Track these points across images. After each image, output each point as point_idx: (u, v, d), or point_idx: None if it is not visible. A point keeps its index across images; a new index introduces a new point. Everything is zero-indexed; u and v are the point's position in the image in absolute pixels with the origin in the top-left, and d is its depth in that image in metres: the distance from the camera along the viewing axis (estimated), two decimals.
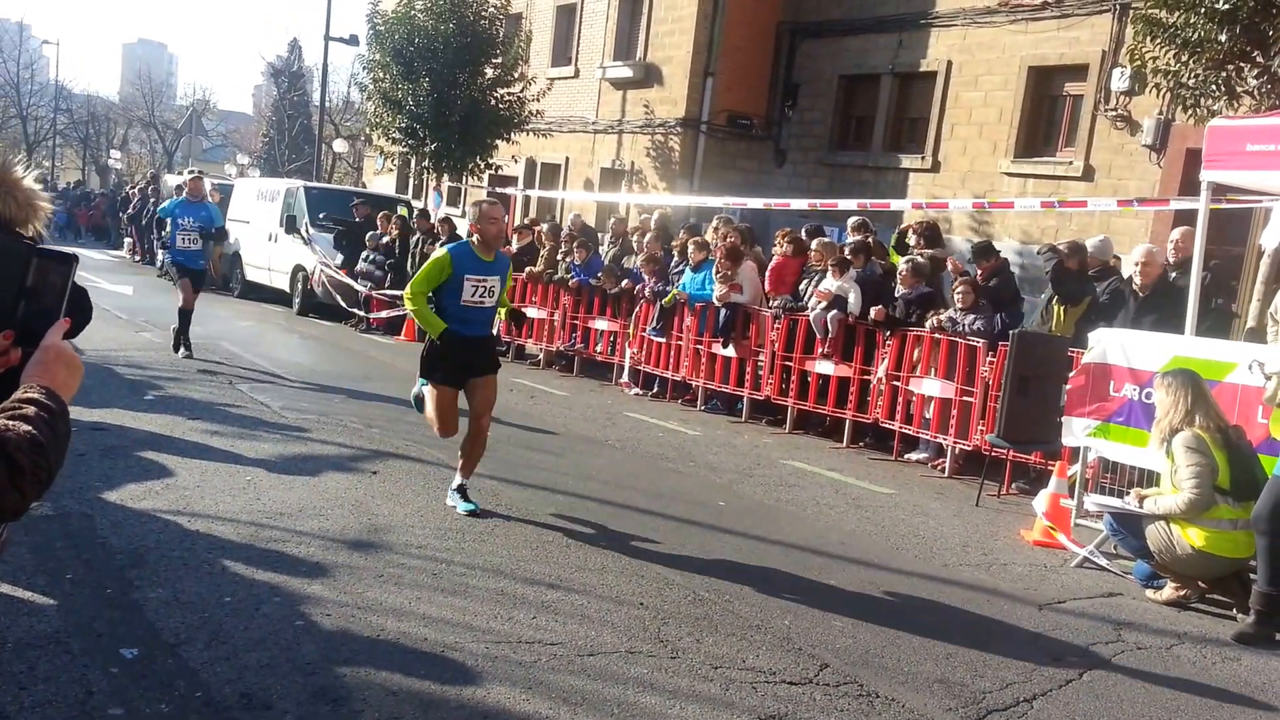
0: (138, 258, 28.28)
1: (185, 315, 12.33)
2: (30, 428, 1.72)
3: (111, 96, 77.42)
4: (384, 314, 17.52)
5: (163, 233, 13.28)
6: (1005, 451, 9.39)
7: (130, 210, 29.94)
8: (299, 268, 19.52)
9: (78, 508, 6.23)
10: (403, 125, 22.47)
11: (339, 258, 18.44)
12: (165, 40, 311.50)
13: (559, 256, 15.33)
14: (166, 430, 8.47)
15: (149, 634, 4.57)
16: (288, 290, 20.00)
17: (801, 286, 11.98)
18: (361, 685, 4.24)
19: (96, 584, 5.10)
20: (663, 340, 13.24)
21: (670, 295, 13.03)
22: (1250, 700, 5.19)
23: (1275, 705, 5.16)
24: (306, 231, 19.28)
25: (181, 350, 12.16)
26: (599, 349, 14.48)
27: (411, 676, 4.38)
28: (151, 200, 27.71)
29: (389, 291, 17.38)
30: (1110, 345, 8.04)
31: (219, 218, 13.41)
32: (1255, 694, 5.28)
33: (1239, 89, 10.36)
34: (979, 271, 10.90)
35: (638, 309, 13.65)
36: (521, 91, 22.52)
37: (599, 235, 16.86)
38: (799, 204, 14.96)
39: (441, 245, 16.43)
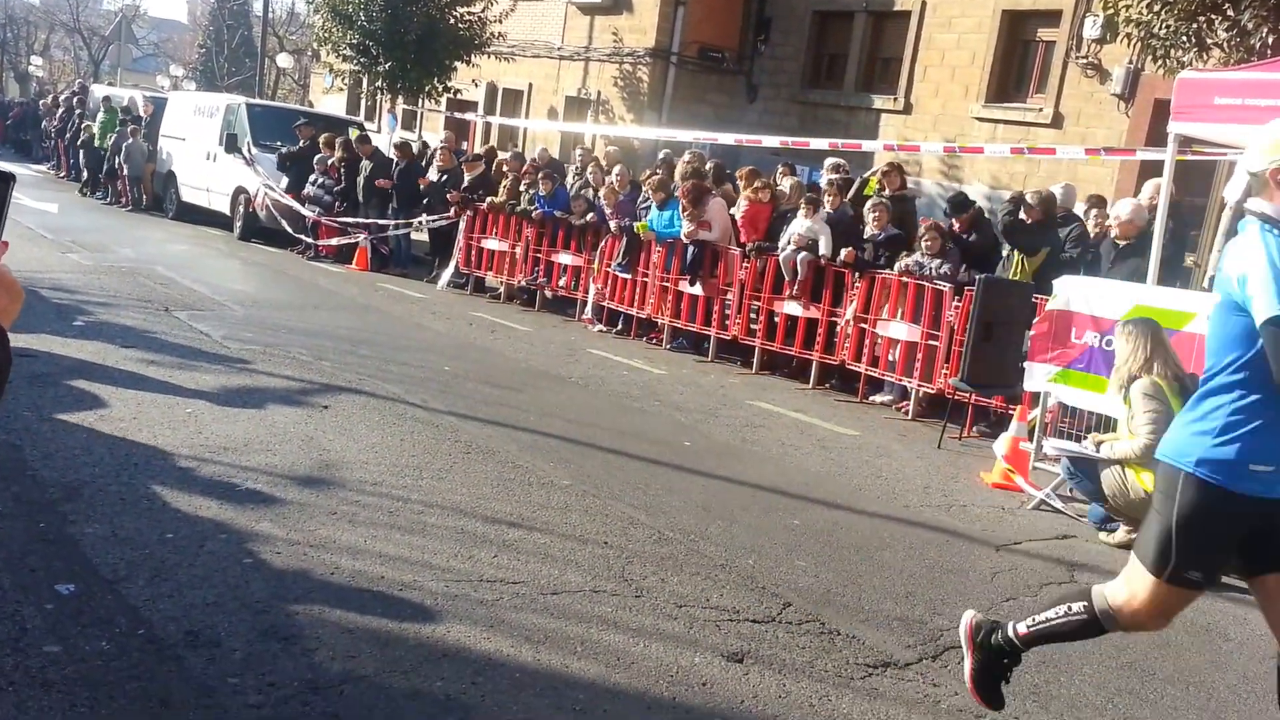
0: (63, 174, 27.27)
1: None
2: None
3: None
4: (333, 241, 17.08)
5: None
6: (968, 395, 9.68)
7: (55, 123, 28.55)
8: (240, 190, 18.79)
9: (4, 437, 6.02)
10: (354, 42, 21.94)
11: (284, 181, 17.85)
12: None
13: (522, 187, 15.24)
14: (98, 358, 8.17)
15: (86, 570, 4.49)
16: (228, 213, 19.30)
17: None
18: (314, 623, 4.24)
19: (28, 518, 4.99)
20: (628, 276, 13.30)
21: (639, 225, 13.04)
22: (1196, 639, 5.51)
23: (1219, 644, 5.49)
24: (249, 151, 18.58)
25: None
26: (562, 284, 14.51)
27: (368, 615, 4.38)
28: (78, 112, 26.53)
29: (338, 218, 17.04)
30: (1074, 293, 8.31)
31: None
32: (1200, 633, 5.61)
33: (1209, 41, 10.57)
34: (956, 225, 11.05)
35: (603, 243, 13.67)
36: (483, 11, 22.14)
37: (564, 166, 16.83)
38: (771, 141, 15.07)
39: (395, 170, 16.33)
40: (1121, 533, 7.00)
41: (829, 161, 13.11)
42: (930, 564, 6.11)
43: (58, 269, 12.49)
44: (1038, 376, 8.36)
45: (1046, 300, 8.65)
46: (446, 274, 15.76)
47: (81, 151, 24.66)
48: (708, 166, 13.55)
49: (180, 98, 24.06)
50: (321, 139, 17.80)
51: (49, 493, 5.33)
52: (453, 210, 15.75)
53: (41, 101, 34.14)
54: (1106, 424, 7.89)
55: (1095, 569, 6.43)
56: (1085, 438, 7.61)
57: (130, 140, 21.67)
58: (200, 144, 20.23)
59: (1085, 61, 15.59)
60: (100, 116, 23.83)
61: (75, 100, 27.95)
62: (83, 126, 25.03)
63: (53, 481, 5.48)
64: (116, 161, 22.19)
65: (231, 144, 18.91)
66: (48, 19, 63.59)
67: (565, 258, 14.35)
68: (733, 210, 12.49)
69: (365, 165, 17.08)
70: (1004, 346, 9.09)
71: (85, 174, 24.34)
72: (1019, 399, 9.01)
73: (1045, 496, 7.66)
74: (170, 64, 59.50)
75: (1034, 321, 8.73)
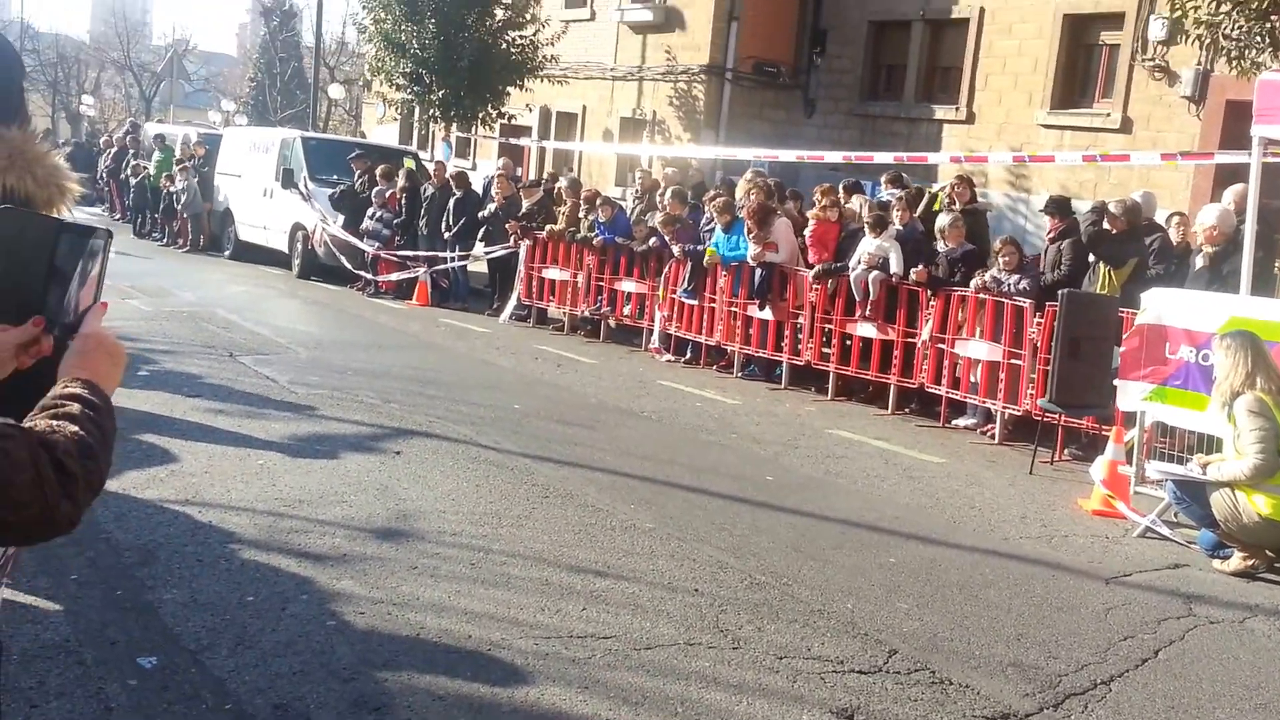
0: (118, 215, 27.13)
1: None
2: (77, 428, 1.63)
3: (82, 36, 74.84)
4: (394, 276, 16.96)
5: None
6: (1057, 417, 9.39)
7: (108, 162, 28.32)
8: (298, 226, 18.54)
9: None
10: (407, 70, 21.90)
11: (340, 218, 17.72)
12: None
13: (581, 214, 15.10)
14: (165, 409, 8.11)
15: (167, 640, 4.41)
16: (286, 251, 19.04)
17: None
18: (404, 690, 4.13)
19: (105, 585, 4.91)
20: (694, 302, 13.08)
21: (708, 251, 12.80)
22: None
23: None
24: (305, 186, 18.47)
25: None
26: (627, 313, 14.32)
27: (457, 679, 4.26)
28: (131, 152, 26.42)
29: (398, 252, 16.94)
30: (1165, 306, 8.03)
31: None
32: None
33: None
34: (1049, 226, 10.78)
35: (667, 269, 13.48)
36: (534, 35, 22.06)
37: (622, 192, 16.70)
38: (832, 157, 14.88)
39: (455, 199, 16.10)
40: (1237, 559, 6.70)
41: (886, 175, 12.88)
42: (1038, 601, 5.87)
43: (118, 316, 12.37)
44: (1132, 395, 8.07)
45: (1135, 314, 8.37)
46: (509, 307, 15.62)
47: (133, 192, 24.70)
48: (754, 189, 13.29)
49: (235, 134, 24.09)
50: (379, 170, 17.67)
51: (125, 557, 5.25)
52: (511, 239, 15.67)
53: (101, 139, 34.43)
54: (1209, 443, 7.59)
55: (1213, 600, 6.16)
56: (1189, 459, 7.34)
57: (186, 180, 21.62)
58: (256, 180, 20.13)
59: (1152, 64, 15.25)
60: (156, 156, 23.83)
61: (128, 138, 27.89)
62: (135, 166, 25.01)
63: (128, 544, 5.40)
64: (173, 201, 22.14)
65: (288, 179, 18.79)
66: (98, 57, 64.23)
67: (629, 285, 14.16)
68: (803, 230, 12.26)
69: (426, 191, 17.00)
70: (1093, 364, 8.81)
71: (140, 215, 24.37)
72: (1112, 419, 8.70)
73: (1151, 523, 7.37)
74: (222, 98, 59.87)
75: (1124, 337, 8.45)
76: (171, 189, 22.25)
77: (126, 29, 63.21)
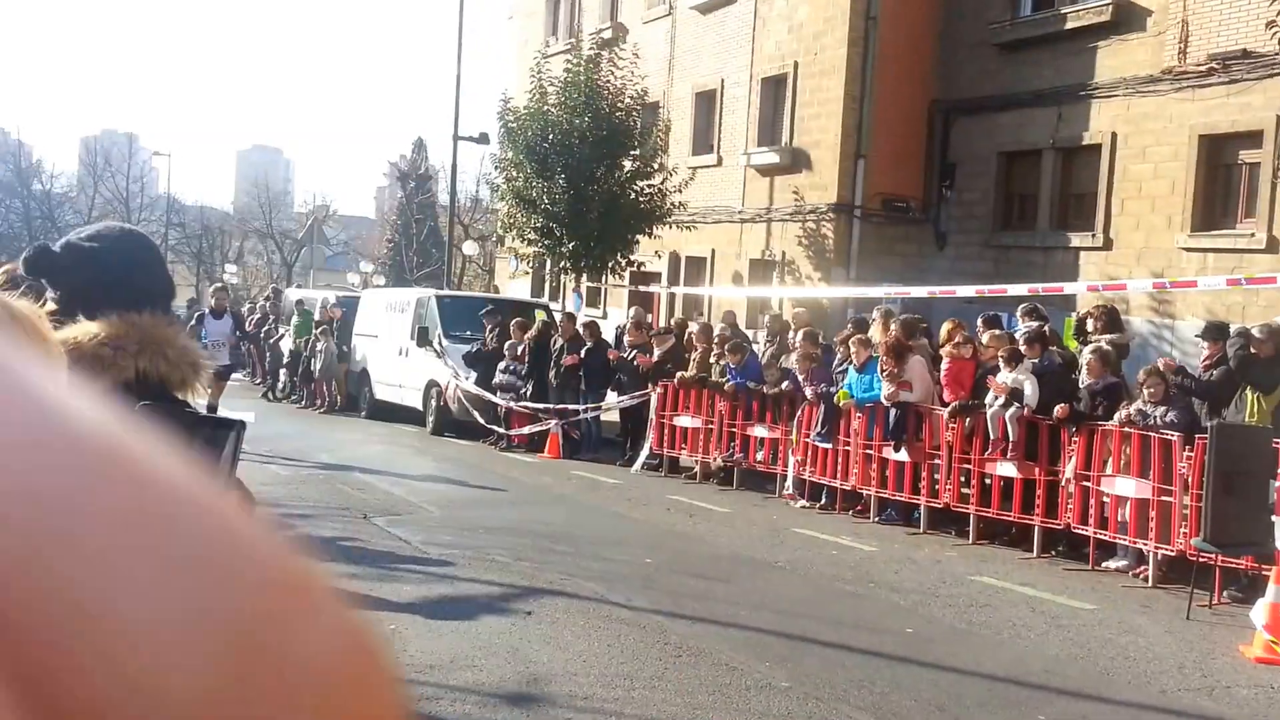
0: (259, 380, 27.82)
1: None
2: None
3: (225, 207, 77.53)
4: (526, 429, 17.28)
5: None
6: (1213, 556, 9.14)
7: (249, 328, 27.86)
8: (432, 383, 19.14)
9: None
10: (538, 225, 22.55)
11: (473, 375, 18.20)
12: (280, 145, 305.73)
13: (712, 360, 15.36)
14: None
15: None
16: (420, 408, 19.53)
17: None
18: None
19: None
20: (828, 446, 13.17)
21: (840, 394, 12.96)
22: None
23: None
24: (440, 344, 18.91)
25: None
26: (760, 458, 14.43)
27: None
28: (272, 317, 26.96)
29: (530, 404, 17.30)
30: None
31: None
32: None
33: None
34: (1205, 353, 10.67)
35: (800, 412, 13.64)
36: (662, 183, 22.60)
37: (754, 334, 16.90)
38: (965, 291, 14.93)
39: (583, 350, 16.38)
40: None
41: (1022, 306, 12.91)
42: None
43: (259, 480, 12.52)
44: None
45: None
46: (641, 456, 15.85)
47: (269, 355, 25.75)
48: (894, 323, 13.42)
49: (372, 295, 25.02)
50: (512, 324, 18.22)
51: None
52: (645, 381, 15.92)
53: (245, 306, 35.68)
54: None
55: None
56: None
57: (322, 343, 22.39)
58: (393, 340, 20.84)
59: None
60: (295, 320, 24.65)
61: (269, 304, 28.72)
62: (269, 330, 26.03)
63: None
64: (312, 365, 22.88)
65: (423, 337, 19.38)
66: (241, 227, 66.86)
67: (761, 430, 14.33)
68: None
69: (557, 342, 17.48)
70: (1248, 499, 8.59)
71: (278, 379, 25.39)
72: (1272, 558, 8.44)
73: None
74: (360, 260, 61.43)
75: (1279, 470, 8.25)
76: (308, 352, 22.99)
77: (269, 199, 65.25)
